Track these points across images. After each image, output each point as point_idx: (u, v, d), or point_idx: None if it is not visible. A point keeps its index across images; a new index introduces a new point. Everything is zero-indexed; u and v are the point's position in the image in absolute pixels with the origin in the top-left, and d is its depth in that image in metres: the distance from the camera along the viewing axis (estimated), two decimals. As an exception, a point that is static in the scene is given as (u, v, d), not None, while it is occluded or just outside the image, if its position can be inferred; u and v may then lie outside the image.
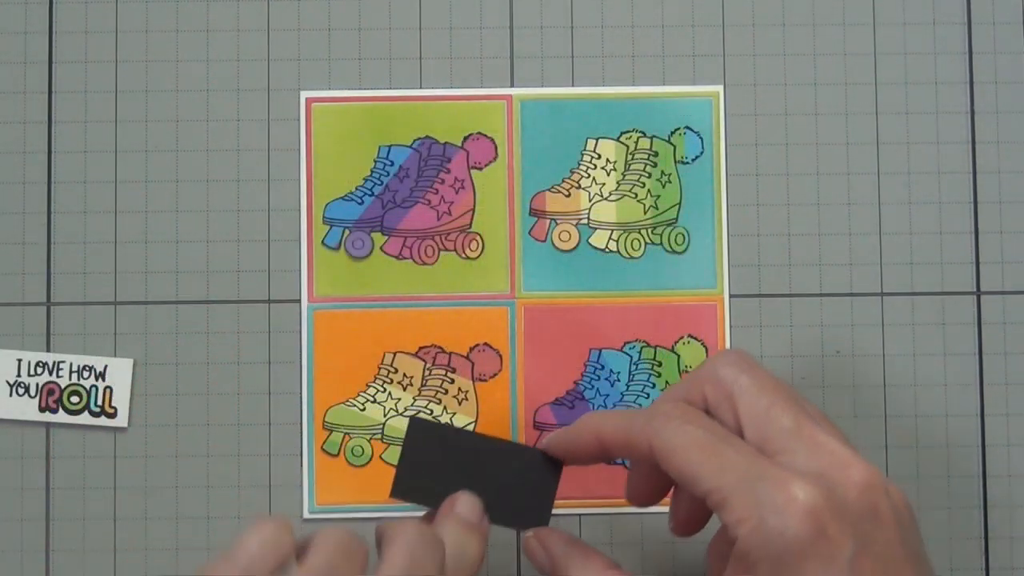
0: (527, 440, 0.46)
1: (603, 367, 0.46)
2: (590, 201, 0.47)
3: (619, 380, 0.46)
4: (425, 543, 0.36)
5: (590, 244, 0.47)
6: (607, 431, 0.39)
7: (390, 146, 0.47)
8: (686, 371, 0.46)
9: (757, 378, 0.37)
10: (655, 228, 0.47)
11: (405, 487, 0.41)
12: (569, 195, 0.47)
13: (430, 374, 0.46)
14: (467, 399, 0.46)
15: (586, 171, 0.47)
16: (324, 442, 0.46)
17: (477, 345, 0.46)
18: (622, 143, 0.47)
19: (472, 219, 0.47)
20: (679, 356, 0.46)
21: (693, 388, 0.38)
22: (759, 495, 0.34)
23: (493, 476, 0.41)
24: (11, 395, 0.46)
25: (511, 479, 0.41)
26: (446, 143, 0.47)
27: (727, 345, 0.46)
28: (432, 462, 0.41)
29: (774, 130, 0.47)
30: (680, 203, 0.47)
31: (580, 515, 0.46)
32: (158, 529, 0.46)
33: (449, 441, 0.41)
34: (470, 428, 0.46)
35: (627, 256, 0.47)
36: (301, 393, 0.46)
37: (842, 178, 0.47)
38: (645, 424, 0.37)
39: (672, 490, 0.41)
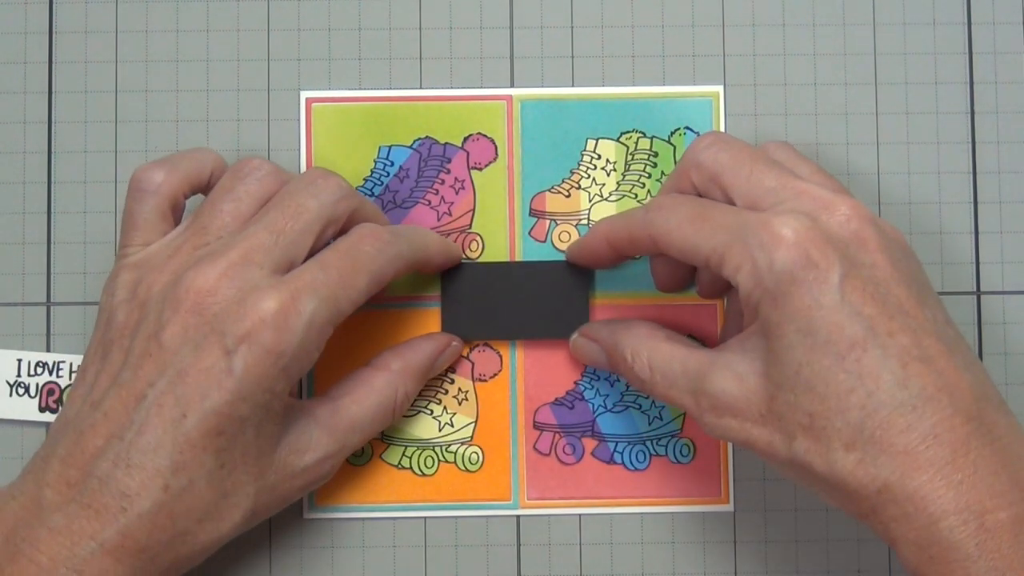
0: (527, 438, 0.46)
1: (603, 367, 0.46)
2: (590, 202, 0.47)
3: (619, 380, 0.46)
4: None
5: (590, 244, 0.47)
6: (612, 234, 0.42)
7: (390, 146, 0.47)
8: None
9: (734, 151, 0.39)
10: (655, 228, 0.47)
11: (452, 327, 0.45)
12: (569, 195, 0.47)
13: (430, 374, 0.46)
14: (467, 399, 0.46)
15: (586, 171, 0.47)
16: (324, 442, 0.46)
17: (477, 345, 0.46)
18: (622, 143, 0.47)
19: (472, 219, 0.47)
20: (679, 356, 0.46)
21: (681, 179, 0.41)
22: (747, 240, 0.36)
23: (530, 295, 0.45)
24: (11, 395, 0.46)
25: (546, 294, 0.45)
26: (446, 143, 0.47)
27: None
28: (471, 297, 0.45)
29: (774, 130, 0.47)
30: (680, 203, 0.47)
31: (580, 515, 0.46)
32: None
33: (481, 274, 0.45)
34: (470, 425, 0.46)
35: (627, 256, 0.47)
36: (302, 394, 0.46)
37: (842, 178, 0.47)
38: (642, 219, 0.40)
39: (651, 258, 0.45)
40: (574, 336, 0.45)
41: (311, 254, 0.40)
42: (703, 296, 0.44)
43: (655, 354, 0.40)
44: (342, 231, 0.41)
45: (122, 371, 0.38)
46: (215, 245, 0.39)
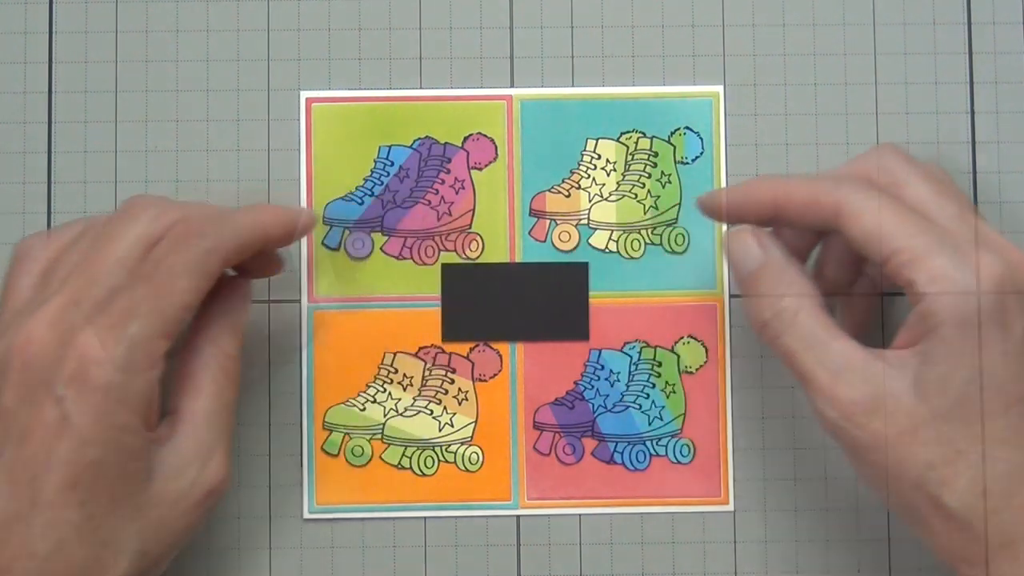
0: (527, 438, 0.46)
1: (603, 367, 0.46)
2: (590, 201, 0.47)
3: (619, 380, 0.46)
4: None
5: (590, 244, 0.47)
6: (787, 194, 0.40)
7: (390, 146, 0.47)
8: (686, 371, 0.46)
9: (920, 168, 0.39)
10: (655, 228, 0.47)
11: (453, 330, 0.46)
12: (569, 195, 0.47)
13: (430, 374, 0.46)
14: (467, 399, 0.46)
15: (586, 171, 0.47)
16: (324, 442, 0.46)
17: (477, 345, 0.46)
18: (622, 143, 0.47)
19: (472, 219, 0.47)
20: (679, 356, 0.46)
21: (857, 174, 0.40)
22: (957, 261, 0.36)
23: (529, 296, 0.46)
24: (11, 395, 0.46)
25: (546, 294, 0.46)
26: (446, 143, 0.47)
27: (727, 347, 0.46)
28: (471, 297, 0.46)
29: (774, 130, 0.47)
30: (680, 203, 0.47)
31: (580, 515, 0.46)
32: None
33: (481, 275, 0.46)
34: (470, 425, 0.46)
35: (627, 256, 0.47)
36: (301, 393, 0.46)
37: (842, 178, 0.47)
38: (833, 188, 0.39)
39: (824, 245, 0.43)
40: (735, 229, 0.41)
41: None
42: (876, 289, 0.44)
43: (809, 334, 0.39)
44: None
45: None
46: (45, 297, 0.38)
